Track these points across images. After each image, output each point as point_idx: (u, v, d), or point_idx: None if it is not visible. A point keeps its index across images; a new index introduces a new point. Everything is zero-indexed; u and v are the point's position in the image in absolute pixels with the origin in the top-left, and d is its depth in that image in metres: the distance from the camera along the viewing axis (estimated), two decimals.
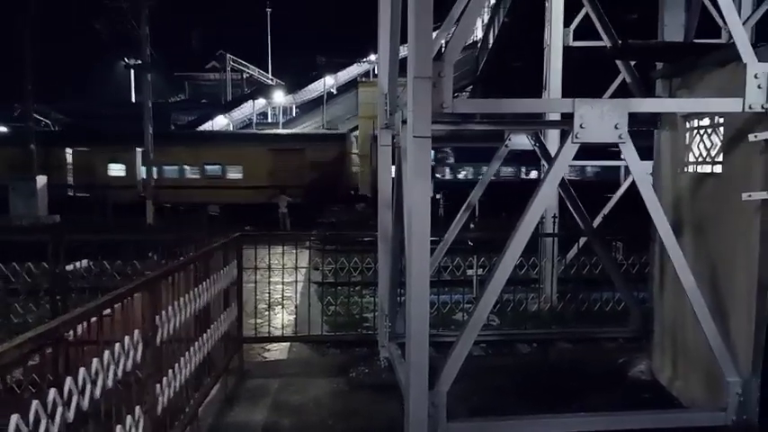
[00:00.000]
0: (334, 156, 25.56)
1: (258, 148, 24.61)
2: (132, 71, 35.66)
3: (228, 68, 47.16)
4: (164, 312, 3.34)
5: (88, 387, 2.41)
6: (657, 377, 5.18)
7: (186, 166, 25.08)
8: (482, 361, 6.15)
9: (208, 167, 25.07)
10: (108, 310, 2.69)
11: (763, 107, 3.65)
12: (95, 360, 2.52)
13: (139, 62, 23.17)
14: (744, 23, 4.38)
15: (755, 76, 3.65)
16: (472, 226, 14.34)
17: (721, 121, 4.25)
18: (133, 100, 43.58)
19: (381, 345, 5.64)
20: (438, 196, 21.94)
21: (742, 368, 3.89)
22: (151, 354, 3.12)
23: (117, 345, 2.73)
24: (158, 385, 3.25)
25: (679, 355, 4.86)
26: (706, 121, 4.44)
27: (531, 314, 7.93)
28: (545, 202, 3.92)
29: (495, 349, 6.63)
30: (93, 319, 2.61)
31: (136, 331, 2.95)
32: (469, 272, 8.21)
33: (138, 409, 2.95)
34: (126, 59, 27.95)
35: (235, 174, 24.94)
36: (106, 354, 2.61)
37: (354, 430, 4.42)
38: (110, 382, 2.60)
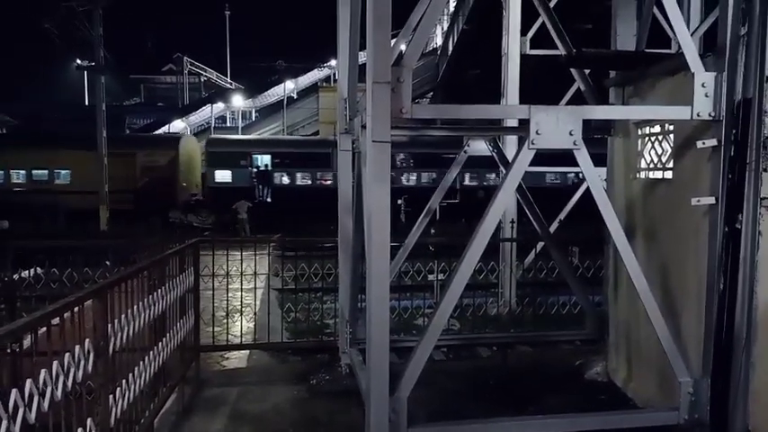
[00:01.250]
0: (167, 160, 24.95)
1: (86, 152, 22.98)
2: (85, 73, 34.64)
3: (186, 71, 46.40)
4: (116, 321, 3.24)
5: (36, 399, 2.32)
6: (613, 378, 5.30)
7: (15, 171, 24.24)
8: (443, 365, 6.19)
9: (35, 172, 24.25)
10: (57, 320, 2.60)
11: (710, 115, 3.79)
12: (44, 371, 2.43)
13: (92, 64, 22.55)
14: (692, 34, 4.54)
15: (703, 85, 3.78)
16: (433, 231, 14.45)
17: (671, 128, 4.39)
18: (87, 103, 42.41)
19: (342, 351, 5.61)
20: (399, 201, 22.02)
21: (693, 368, 4.01)
22: (103, 364, 3.02)
23: (67, 355, 2.64)
24: (111, 396, 3.15)
25: (633, 357, 4.98)
26: (657, 129, 4.58)
27: (490, 318, 8.03)
28: (502, 207, 3.97)
29: (455, 353, 6.67)
30: (42, 328, 2.52)
31: (87, 341, 2.85)
32: (430, 277, 8.26)
33: (89, 421, 2.85)
34: (79, 61, 27.18)
35: (63, 179, 24.20)
36: (55, 364, 2.52)
37: None
38: (59, 394, 2.50)
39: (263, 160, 25.07)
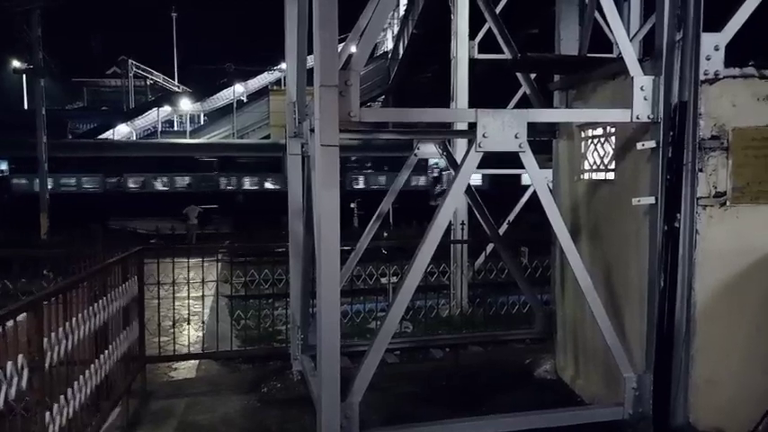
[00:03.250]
0: None
1: None
2: (24, 76, 33.24)
3: (131, 74, 45.13)
4: (53, 334, 3.09)
5: None
6: (561, 376, 5.40)
7: None
8: (396, 368, 6.18)
9: None
10: None
11: (648, 117, 3.91)
12: None
13: (31, 67, 21.66)
14: (631, 39, 4.67)
15: (641, 89, 3.91)
16: (386, 234, 14.49)
17: (613, 130, 4.51)
18: (25, 107, 40.70)
19: (294, 358, 5.53)
20: (352, 205, 21.98)
21: (637, 364, 4.12)
22: (39, 379, 2.88)
23: None
24: (48, 413, 3.01)
25: (580, 354, 5.09)
26: (599, 131, 4.70)
27: (443, 319, 8.08)
28: (452, 209, 4.00)
29: (408, 356, 6.68)
30: None
31: (20, 356, 2.71)
32: (383, 280, 8.26)
33: None
34: (16, 63, 26.08)
35: None
36: None
37: None
38: None
39: None
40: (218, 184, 24.93)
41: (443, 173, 24.81)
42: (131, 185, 24.44)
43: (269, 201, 22.61)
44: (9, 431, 2.61)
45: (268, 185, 25.01)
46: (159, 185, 24.48)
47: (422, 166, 25.48)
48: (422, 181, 25.72)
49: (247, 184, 25.07)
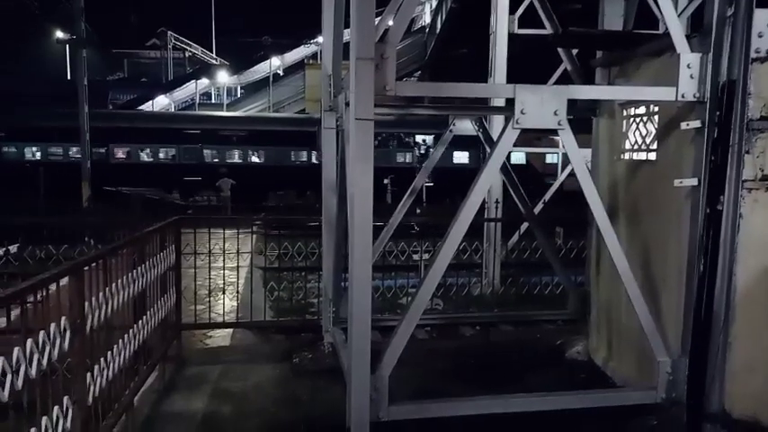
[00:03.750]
0: None
1: None
2: (67, 47, 33.88)
3: (170, 46, 45.55)
4: (93, 299, 3.19)
5: (9, 377, 2.29)
6: (593, 357, 5.36)
7: None
8: (426, 344, 6.21)
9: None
10: (31, 297, 2.56)
11: (694, 96, 3.78)
12: (17, 349, 2.39)
13: (73, 37, 22.04)
14: (679, 15, 4.50)
15: (688, 66, 3.77)
16: (419, 211, 14.45)
17: (656, 109, 4.38)
18: (69, 78, 41.59)
19: (326, 330, 5.60)
20: (386, 181, 21.97)
21: (672, 348, 4.05)
22: (80, 342, 2.98)
23: (42, 333, 2.60)
24: (89, 374, 3.12)
25: (613, 336, 5.03)
26: (642, 110, 4.57)
27: (474, 298, 8.06)
28: (486, 187, 3.96)
29: (439, 332, 6.69)
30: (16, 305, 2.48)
31: (63, 318, 2.81)
32: (415, 257, 8.26)
33: (66, 399, 2.83)
34: (60, 34, 26.58)
35: None
36: (29, 342, 2.48)
37: (296, 416, 4.38)
38: (33, 372, 2.47)
39: None
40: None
41: (430, 150, 24.04)
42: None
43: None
44: (52, 391, 2.71)
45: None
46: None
47: (408, 143, 25.02)
48: (408, 158, 25.10)
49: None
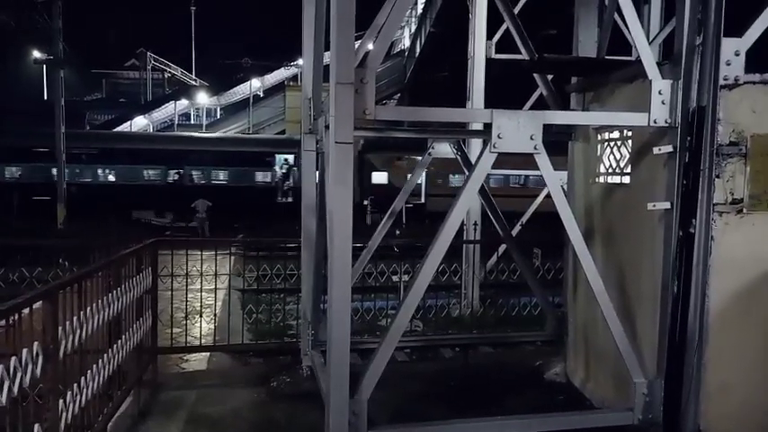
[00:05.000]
0: None
1: None
2: (44, 67, 33.59)
3: (149, 67, 45.44)
4: (67, 323, 3.14)
5: None
6: (571, 379, 5.38)
7: None
8: (406, 367, 6.19)
9: None
10: (2, 322, 2.51)
11: (666, 122, 3.88)
12: None
13: (51, 57, 21.89)
14: (650, 42, 4.64)
15: (659, 92, 3.87)
16: (398, 232, 14.48)
17: (629, 134, 4.48)
18: (45, 97, 41.14)
19: (304, 353, 5.56)
20: (366, 202, 22.04)
21: (648, 370, 4.09)
22: (53, 367, 2.93)
23: (13, 358, 2.54)
24: (62, 400, 3.06)
25: (591, 358, 5.07)
26: (616, 134, 4.67)
27: (453, 319, 8.07)
28: (465, 209, 4.00)
29: (418, 354, 6.68)
30: None
31: (35, 343, 2.76)
32: (395, 278, 8.27)
33: (37, 427, 2.76)
34: (37, 54, 26.37)
35: None
36: (0, 368, 2.43)
37: None
38: (3, 399, 2.41)
39: None
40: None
41: (293, 169, 24.04)
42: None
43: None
44: (23, 418, 2.65)
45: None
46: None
47: (268, 162, 24.79)
48: (268, 177, 24.83)
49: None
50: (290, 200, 22.80)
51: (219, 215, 20.44)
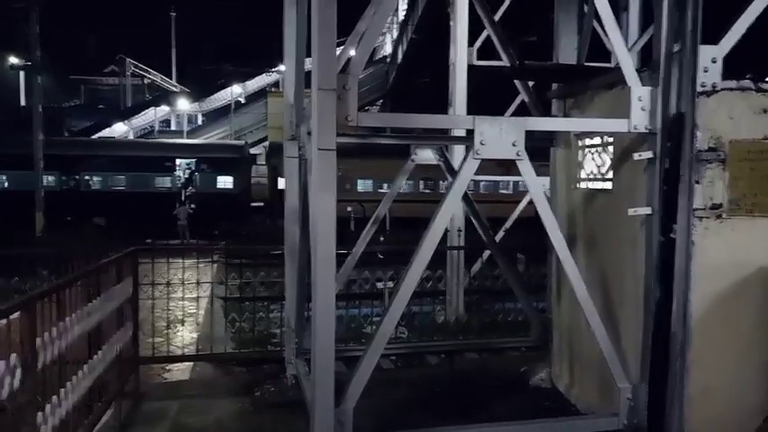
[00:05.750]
0: None
1: None
2: (21, 73, 33.14)
3: (129, 73, 45.07)
4: (46, 334, 3.08)
5: None
6: (557, 384, 5.40)
7: None
8: (391, 374, 6.17)
9: None
10: None
11: (646, 128, 3.92)
12: None
13: (28, 63, 21.61)
14: (630, 49, 4.69)
15: (639, 99, 3.92)
16: (382, 239, 14.49)
17: (610, 140, 4.52)
18: (22, 104, 40.55)
19: (288, 362, 5.50)
20: (349, 209, 21.98)
21: (632, 374, 4.12)
22: (31, 379, 2.86)
23: None
24: (40, 413, 2.99)
25: (575, 363, 5.09)
26: (597, 140, 4.71)
27: (438, 326, 8.07)
28: (449, 215, 4.00)
29: (404, 362, 6.67)
30: None
31: (13, 355, 2.70)
32: (379, 285, 8.25)
33: None
34: (14, 60, 26.01)
35: None
36: None
37: None
38: None
39: None
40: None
41: (195, 174, 23.83)
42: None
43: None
44: (0, 431, 2.59)
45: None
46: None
47: (168, 166, 24.32)
48: (168, 183, 24.36)
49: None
50: (192, 206, 22.47)
51: (118, 223, 19.68)
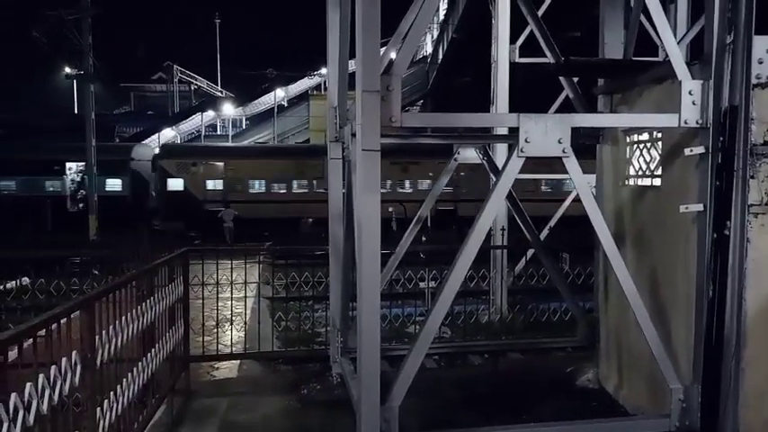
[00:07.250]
0: None
1: None
2: (74, 82, 34.47)
3: (176, 79, 46.31)
4: (104, 332, 3.20)
5: (21, 413, 2.29)
6: (604, 385, 5.30)
7: None
8: (435, 373, 6.17)
9: None
10: (43, 331, 2.57)
11: (697, 122, 3.82)
12: (29, 384, 2.40)
13: (81, 72, 22.45)
14: (678, 42, 4.56)
15: (690, 93, 3.81)
16: (424, 239, 14.46)
17: (659, 135, 4.42)
18: (76, 111, 42.13)
19: (333, 360, 5.58)
20: (390, 209, 22.01)
21: (683, 375, 4.01)
22: (90, 376, 2.99)
23: (53, 367, 2.60)
24: (99, 408, 3.12)
25: (624, 363, 4.99)
26: (645, 136, 4.61)
27: (482, 325, 8.01)
28: (493, 215, 3.98)
29: (447, 361, 6.65)
30: (28, 340, 2.49)
31: (74, 353, 2.82)
32: (422, 284, 8.24)
33: None
34: (68, 69, 27.03)
35: None
36: (41, 377, 2.48)
37: None
38: (45, 408, 2.47)
39: None
40: None
41: (85, 177, 23.30)
42: None
43: None
44: (63, 426, 2.70)
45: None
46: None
47: (55, 170, 24.28)
48: (58, 186, 24.36)
49: None
50: (81, 206, 22.49)
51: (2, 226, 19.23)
